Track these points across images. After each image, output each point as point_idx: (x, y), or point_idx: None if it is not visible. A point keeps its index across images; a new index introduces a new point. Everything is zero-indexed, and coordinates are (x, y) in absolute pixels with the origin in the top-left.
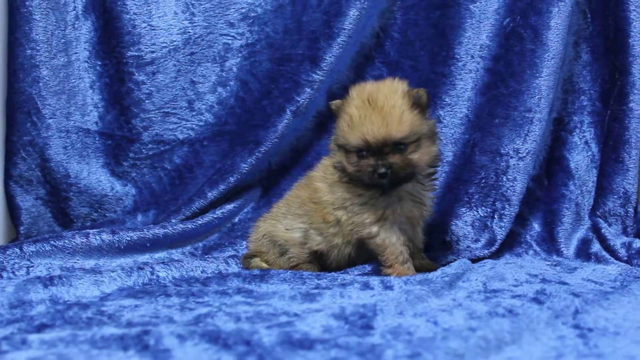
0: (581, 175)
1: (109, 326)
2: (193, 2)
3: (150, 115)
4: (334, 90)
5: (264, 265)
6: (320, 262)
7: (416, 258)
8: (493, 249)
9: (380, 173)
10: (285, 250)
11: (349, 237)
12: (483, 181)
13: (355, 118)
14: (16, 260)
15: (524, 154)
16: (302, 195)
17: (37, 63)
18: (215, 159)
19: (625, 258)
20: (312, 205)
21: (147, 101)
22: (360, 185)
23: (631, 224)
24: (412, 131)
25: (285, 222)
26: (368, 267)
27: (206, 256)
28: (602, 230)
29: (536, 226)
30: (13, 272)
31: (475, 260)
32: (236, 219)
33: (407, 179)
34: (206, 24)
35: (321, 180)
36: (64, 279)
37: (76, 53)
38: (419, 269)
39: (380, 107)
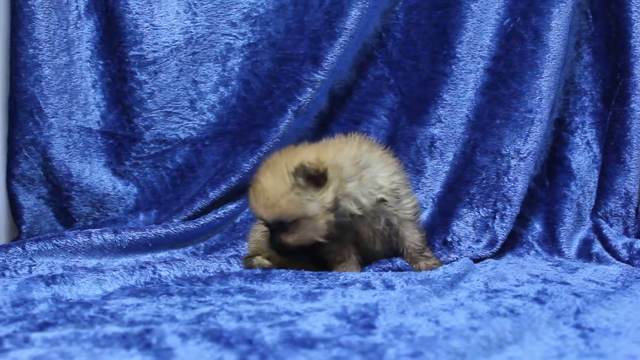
0: (583, 176)
1: (112, 325)
2: (195, 1)
3: (152, 115)
4: (336, 90)
5: (266, 262)
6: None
7: (419, 260)
8: (494, 249)
9: (271, 246)
10: None
11: None
12: (484, 182)
13: (250, 192)
14: (18, 259)
15: (525, 155)
16: None
17: (40, 62)
18: (217, 158)
19: (627, 258)
20: None
21: (149, 101)
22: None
23: (632, 224)
24: (283, 215)
25: None
26: (368, 268)
27: (208, 256)
28: (604, 231)
29: (537, 226)
30: (15, 271)
31: (476, 260)
32: (238, 219)
33: (297, 252)
34: (208, 24)
35: None
36: (66, 278)
37: (78, 52)
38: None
39: (258, 189)
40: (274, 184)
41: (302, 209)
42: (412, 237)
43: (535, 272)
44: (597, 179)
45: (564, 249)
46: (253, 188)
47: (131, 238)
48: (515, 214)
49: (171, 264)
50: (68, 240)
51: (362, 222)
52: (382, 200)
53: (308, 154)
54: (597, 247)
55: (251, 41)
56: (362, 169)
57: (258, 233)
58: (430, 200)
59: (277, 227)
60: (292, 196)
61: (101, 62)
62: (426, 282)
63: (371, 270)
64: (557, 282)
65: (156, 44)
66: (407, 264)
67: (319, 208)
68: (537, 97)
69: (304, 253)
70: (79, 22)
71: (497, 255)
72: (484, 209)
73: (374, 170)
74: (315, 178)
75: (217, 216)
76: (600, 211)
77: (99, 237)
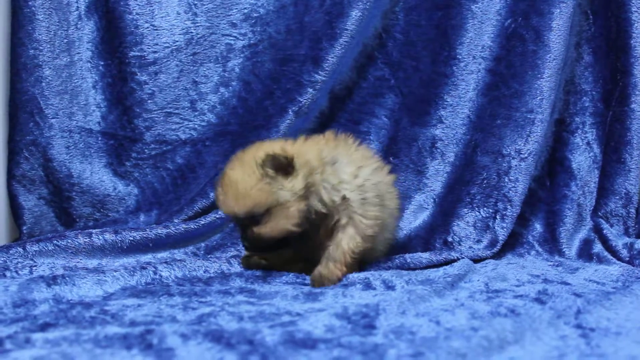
0: (583, 176)
1: (112, 325)
2: (195, 2)
3: (153, 115)
4: (336, 91)
5: (263, 262)
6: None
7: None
8: (495, 249)
9: (244, 245)
10: None
11: None
12: (485, 182)
13: (216, 190)
14: (19, 260)
15: (526, 155)
16: None
17: (40, 63)
18: (218, 159)
19: (627, 258)
20: None
21: (149, 101)
22: None
23: (633, 224)
24: (257, 205)
25: None
26: (368, 268)
27: (209, 256)
28: (604, 231)
29: (538, 227)
30: (16, 272)
31: (477, 260)
32: None
33: (279, 244)
34: (209, 24)
35: None
36: (67, 279)
37: (79, 53)
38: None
39: (227, 183)
40: (243, 177)
41: (273, 197)
42: (347, 243)
43: (536, 272)
44: (597, 179)
45: (564, 249)
46: (221, 183)
47: (132, 238)
48: (516, 214)
49: (172, 264)
50: (69, 241)
51: (323, 224)
52: (345, 199)
53: (273, 146)
54: (598, 247)
55: (252, 42)
56: (327, 164)
57: None
58: (431, 200)
59: (249, 221)
60: (263, 186)
61: (102, 63)
62: (427, 282)
63: (371, 270)
64: (557, 282)
65: (157, 44)
66: (405, 262)
67: (290, 195)
68: (538, 98)
69: (275, 248)
70: (79, 22)
71: (498, 255)
72: (485, 209)
73: (338, 165)
74: (284, 166)
75: (217, 216)
76: (601, 211)
77: (100, 237)
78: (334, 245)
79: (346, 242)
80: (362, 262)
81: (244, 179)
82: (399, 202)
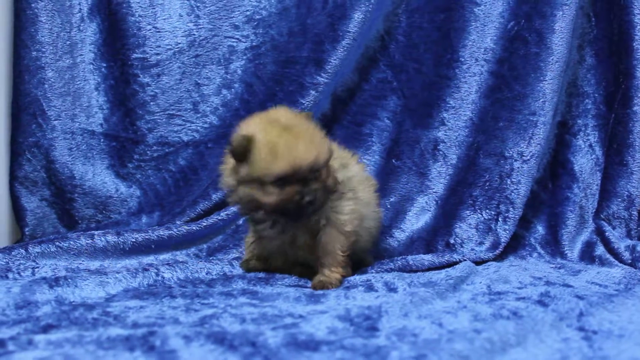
0: (585, 178)
1: (115, 327)
2: (198, 4)
3: (155, 117)
4: (339, 93)
5: (260, 266)
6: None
7: (320, 271)
8: (497, 251)
9: (309, 200)
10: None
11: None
12: (487, 184)
13: (283, 146)
14: (22, 261)
15: (528, 157)
16: None
17: (43, 65)
18: (220, 160)
19: (629, 261)
20: None
21: (152, 103)
22: (269, 218)
23: (635, 227)
24: (329, 152)
25: None
26: (370, 269)
27: (211, 258)
28: (606, 233)
29: (540, 229)
30: (19, 273)
31: (479, 262)
32: (240, 221)
33: (322, 206)
34: (211, 27)
35: None
36: (69, 280)
37: (81, 55)
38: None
39: (302, 133)
40: (314, 128)
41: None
42: (332, 244)
43: (538, 275)
44: (599, 182)
45: (566, 252)
46: (301, 135)
47: (134, 240)
48: (518, 216)
49: (174, 266)
50: (71, 243)
51: (306, 225)
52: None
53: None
54: (600, 250)
55: (254, 44)
56: None
57: (250, 239)
58: (434, 202)
59: (315, 174)
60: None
61: (104, 65)
62: (429, 284)
63: (373, 272)
64: (560, 285)
65: (159, 46)
66: (407, 264)
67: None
68: (541, 100)
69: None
70: (82, 24)
71: (500, 257)
72: (487, 211)
73: None
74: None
75: (219, 218)
76: (603, 214)
77: (102, 239)
78: (321, 250)
79: (331, 244)
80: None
81: (315, 130)
82: (374, 187)
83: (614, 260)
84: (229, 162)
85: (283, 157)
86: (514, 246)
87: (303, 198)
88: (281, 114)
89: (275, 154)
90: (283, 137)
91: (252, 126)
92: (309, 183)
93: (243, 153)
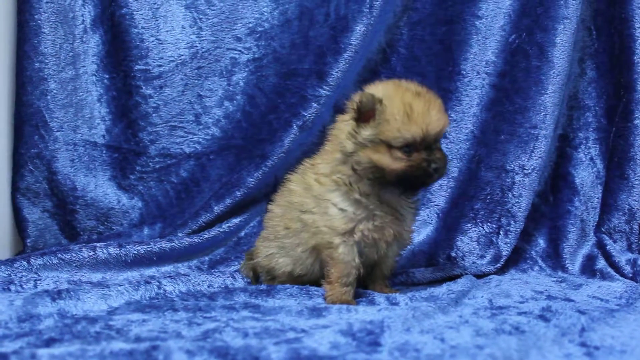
0: (586, 192)
1: (118, 341)
2: (201, 16)
3: (157, 129)
4: (340, 105)
5: (251, 273)
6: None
7: (378, 284)
8: (498, 265)
9: (435, 168)
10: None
11: (308, 244)
12: (488, 197)
13: (417, 110)
14: (24, 273)
15: (530, 170)
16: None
17: (45, 76)
18: (222, 172)
19: (630, 275)
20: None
21: (154, 115)
22: (387, 186)
23: (636, 240)
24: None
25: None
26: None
27: (212, 270)
28: (607, 247)
29: (541, 242)
30: (21, 285)
31: (480, 276)
32: (242, 233)
33: (443, 176)
34: (213, 39)
35: (297, 181)
36: (71, 293)
37: (84, 66)
38: None
39: (433, 100)
40: (439, 99)
41: None
42: (388, 262)
43: (539, 289)
44: (600, 195)
45: (567, 265)
46: (432, 101)
47: (136, 252)
48: (519, 229)
49: (176, 278)
50: (73, 254)
51: None
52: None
53: None
54: (601, 263)
55: (256, 56)
56: None
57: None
58: (435, 215)
59: (435, 145)
60: None
61: (107, 76)
62: (430, 298)
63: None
64: (561, 299)
65: (162, 58)
66: (408, 277)
67: None
68: (542, 113)
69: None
70: (84, 36)
71: (501, 271)
72: (488, 224)
73: None
74: None
75: (221, 230)
76: (604, 227)
77: (104, 251)
78: (387, 263)
79: (393, 258)
80: None
81: (440, 99)
82: None
83: (615, 274)
84: (344, 125)
85: (417, 122)
86: (515, 259)
87: (430, 165)
88: (406, 82)
89: (410, 117)
90: (417, 101)
91: (382, 89)
92: (433, 151)
93: (370, 113)
